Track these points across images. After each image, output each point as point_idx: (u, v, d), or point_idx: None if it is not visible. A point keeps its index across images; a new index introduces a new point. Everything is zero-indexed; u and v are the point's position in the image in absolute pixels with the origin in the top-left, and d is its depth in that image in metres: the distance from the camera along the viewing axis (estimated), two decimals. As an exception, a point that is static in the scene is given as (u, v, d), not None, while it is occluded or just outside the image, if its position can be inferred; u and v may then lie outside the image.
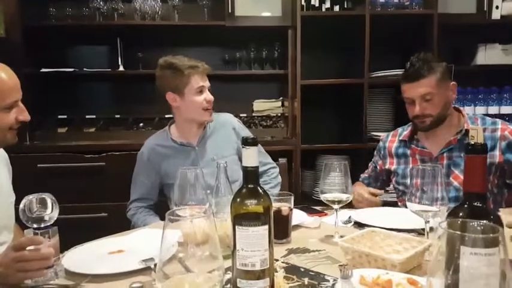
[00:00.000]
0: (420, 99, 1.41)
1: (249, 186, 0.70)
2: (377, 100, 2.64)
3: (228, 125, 1.72)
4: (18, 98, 1.11)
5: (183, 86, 1.55)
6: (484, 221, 0.51)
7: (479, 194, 0.59)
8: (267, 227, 0.67)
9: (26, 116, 1.13)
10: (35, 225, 0.90)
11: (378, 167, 1.67)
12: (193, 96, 1.56)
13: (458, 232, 0.47)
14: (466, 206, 0.59)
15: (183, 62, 1.56)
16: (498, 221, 0.59)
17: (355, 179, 1.60)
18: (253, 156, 0.69)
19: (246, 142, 0.69)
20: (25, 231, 0.92)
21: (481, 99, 2.61)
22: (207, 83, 1.60)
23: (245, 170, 0.70)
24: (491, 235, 0.47)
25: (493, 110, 2.60)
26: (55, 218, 0.92)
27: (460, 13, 2.55)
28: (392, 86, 2.62)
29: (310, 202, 2.37)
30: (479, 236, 0.47)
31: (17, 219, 1.24)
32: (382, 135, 1.74)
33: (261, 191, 0.70)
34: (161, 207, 1.68)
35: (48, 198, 0.92)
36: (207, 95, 1.59)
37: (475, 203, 0.59)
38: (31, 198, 0.90)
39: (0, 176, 1.21)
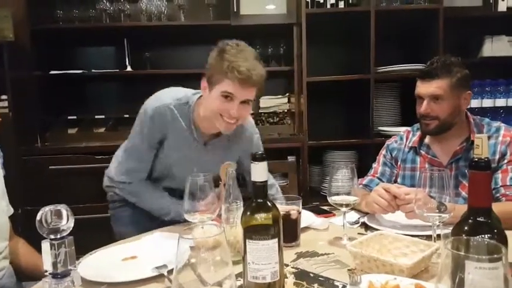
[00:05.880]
0: (429, 99, 1.39)
1: (258, 200, 0.72)
2: (383, 95, 2.64)
3: (248, 134, 1.54)
4: None
5: (215, 81, 1.27)
6: (488, 237, 0.53)
7: (484, 209, 0.60)
8: (276, 240, 0.70)
9: None
10: (51, 236, 0.93)
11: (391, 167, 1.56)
12: (217, 97, 1.27)
13: (463, 253, 0.49)
14: (470, 220, 0.61)
15: (234, 57, 1.24)
16: (502, 235, 0.60)
17: (363, 174, 1.57)
18: (262, 172, 0.71)
19: (255, 158, 0.71)
20: (42, 241, 0.95)
21: (488, 91, 2.59)
22: (242, 95, 1.26)
23: (254, 184, 0.72)
24: (495, 256, 0.48)
25: (501, 102, 2.59)
26: (71, 229, 0.95)
27: (466, 6, 2.52)
28: (398, 81, 2.61)
29: (318, 198, 2.39)
30: (483, 257, 0.49)
31: (25, 231, 1.26)
32: (394, 137, 1.62)
33: (270, 204, 0.72)
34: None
35: (64, 210, 0.94)
36: (233, 107, 1.26)
37: (480, 218, 0.60)
38: (46, 210, 0.93)
39: None
